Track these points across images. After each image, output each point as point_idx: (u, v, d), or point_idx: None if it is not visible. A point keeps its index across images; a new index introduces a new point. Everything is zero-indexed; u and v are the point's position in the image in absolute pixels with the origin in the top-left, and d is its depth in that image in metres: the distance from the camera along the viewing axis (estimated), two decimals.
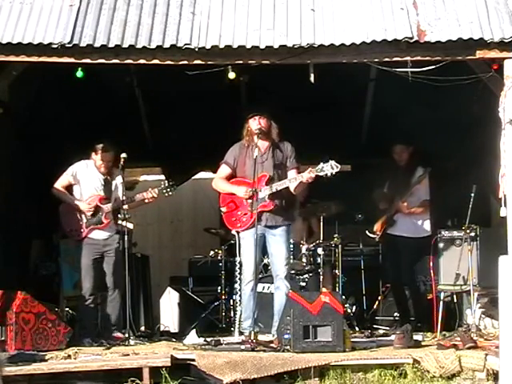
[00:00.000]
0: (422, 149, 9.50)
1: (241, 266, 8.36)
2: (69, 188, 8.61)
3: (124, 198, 8.43)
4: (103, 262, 8.50)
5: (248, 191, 7.95)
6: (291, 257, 9.12)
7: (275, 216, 8.06)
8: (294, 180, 7.98)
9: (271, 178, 8.07)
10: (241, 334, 8.32)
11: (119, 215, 8.43)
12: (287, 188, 8.04)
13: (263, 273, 8.85)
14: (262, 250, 8.20)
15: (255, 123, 8.09)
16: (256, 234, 7.92)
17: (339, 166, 7.78)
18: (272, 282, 8.51)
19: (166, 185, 8.62)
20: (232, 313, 9.43)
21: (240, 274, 8.43)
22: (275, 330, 7.87)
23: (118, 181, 8.60)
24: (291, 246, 9.23)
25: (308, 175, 7.85)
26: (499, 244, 7.61)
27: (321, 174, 7.81)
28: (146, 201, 8.57)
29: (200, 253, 10.66)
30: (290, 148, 8.21)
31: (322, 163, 7.83)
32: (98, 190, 8.59)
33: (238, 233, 8.30)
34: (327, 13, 7.65)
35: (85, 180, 8.59)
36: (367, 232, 9.59)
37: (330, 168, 7.78)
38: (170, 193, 8.62)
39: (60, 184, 8.57)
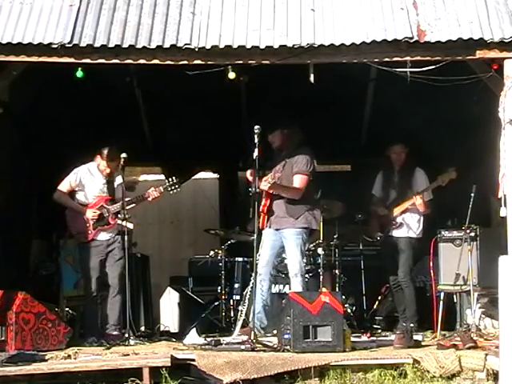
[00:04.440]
0: (419, 150, 9.49)
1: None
2: (72, 193, 8.61)
3: (127, 198, 8.46)
4: (106, 262, 8.51)
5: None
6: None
7: (279, 220, 8.35)
8: None
9: None
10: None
11: (119, 215, 8.44)
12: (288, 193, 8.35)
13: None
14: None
15: (271, 140, 8.49)
16: (275, 233, 8.33)
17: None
18: (277, 283, 8.93)
19: (171, 182, 8.63)
20: (232, 313, 9.45)
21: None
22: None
23: (117, 181, 8.61)
24: None
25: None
26: (499, 244, 7.62)
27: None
28: (150, 198, 8.57)
29: (200, 253, 10.65)
30: (297, 155, 8.40)
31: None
32: (103, 192, 8.61)
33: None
34: (327, 13, 7.64)
35: (89, 184, 8.59)
36: (365, 236, 9.61)
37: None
38: (175, 190, 8.63)
39: (63, 190, 8.56)
